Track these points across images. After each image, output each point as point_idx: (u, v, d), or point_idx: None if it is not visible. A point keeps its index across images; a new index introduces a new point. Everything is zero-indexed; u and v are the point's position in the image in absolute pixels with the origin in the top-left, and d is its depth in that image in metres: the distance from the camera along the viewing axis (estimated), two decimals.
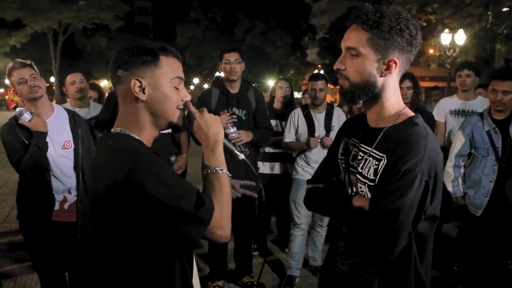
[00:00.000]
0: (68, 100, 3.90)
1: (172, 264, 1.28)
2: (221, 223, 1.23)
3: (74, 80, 3.72)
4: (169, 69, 1.30)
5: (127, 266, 1.23)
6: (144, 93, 1.27)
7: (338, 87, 1.50)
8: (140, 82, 1.26)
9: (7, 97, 34.38)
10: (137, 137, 1.29)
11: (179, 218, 1.16)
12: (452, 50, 17.11)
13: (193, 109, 1.36)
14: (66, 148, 2.77)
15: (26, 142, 2.63)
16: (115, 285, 1.26)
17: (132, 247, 1.21)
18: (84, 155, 2.80)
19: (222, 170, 1.31)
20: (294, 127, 3.78)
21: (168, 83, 1.29)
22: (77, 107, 3.67)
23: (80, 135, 2.81)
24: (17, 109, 2.68)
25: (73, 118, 2.86)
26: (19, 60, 2.76)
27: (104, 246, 1.26)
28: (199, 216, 1.17)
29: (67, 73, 3.83)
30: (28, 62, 2.74)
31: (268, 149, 4.26)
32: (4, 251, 4.36)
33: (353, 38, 1.35)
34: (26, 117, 2.61)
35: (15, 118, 2.69)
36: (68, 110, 2.92)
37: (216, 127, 1.34)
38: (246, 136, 3.34)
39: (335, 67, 1.41)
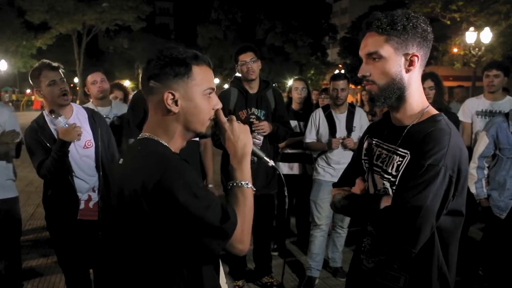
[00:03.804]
0: (90, 100, 3.85)
1: (199, 266, 1.27)
2: (242, 237, 1.22)
3: (95, 80, 3.65)
4: (202, 80, 1.28)
5: (148, 268, 1.24)
6: (177, 105, 1.26)
7: (359, 87, 1.50)
8: (173, 95, 1.25)
9: (33, 97, 35.20)
10: (165, 144, 1.28)
11: (203, 229, 1.15)
12: (477, 49, 16.74)
13: (223, 118, 1.35)
14: (87, 148, 2.78)
15: (48, 145, 2.64)
16: (137, 284, 1.27)
17: (155, 252, 1.22)
18: (104, 153, 2.82)
19: (248, 184, 1.29)
20: (315, 128, 3.75)
21: (200, 95, 1.28)
22: (99, 106, 3.68)
23: (100, 133, 2.82)
24: (54, 114, 2.62)
25: (92, 117, 2.86)
26: (47, 61, 2.71)
27: (127, 247, 1.27)
28: (224, 229, 1.17)
29: (88, 73, 3.77)
30: (57, 64, 2.70)
31: (287, 150, 4.26)
32: (30, 248, 4.46)
33: (371, 43, 1.39)
34: (61, 121, 2.58)
35: (37, 121, 2.70)
36: (87, 109, 2.92)
37: (244, 139, 1.33)
38: (268, 127, 3.31)
39: (359, 75, 1.43)
